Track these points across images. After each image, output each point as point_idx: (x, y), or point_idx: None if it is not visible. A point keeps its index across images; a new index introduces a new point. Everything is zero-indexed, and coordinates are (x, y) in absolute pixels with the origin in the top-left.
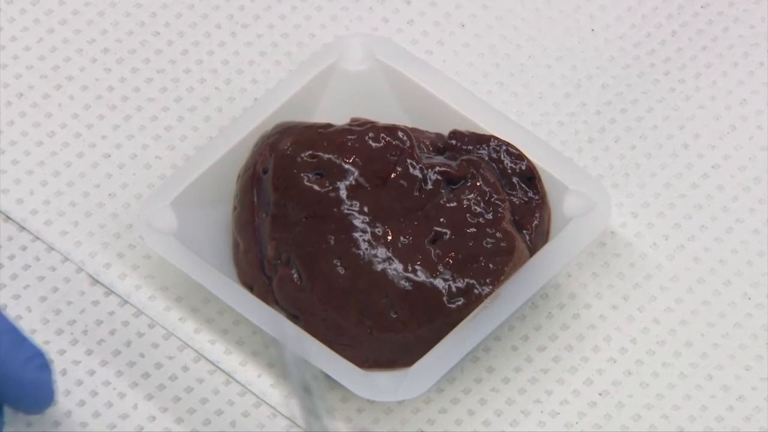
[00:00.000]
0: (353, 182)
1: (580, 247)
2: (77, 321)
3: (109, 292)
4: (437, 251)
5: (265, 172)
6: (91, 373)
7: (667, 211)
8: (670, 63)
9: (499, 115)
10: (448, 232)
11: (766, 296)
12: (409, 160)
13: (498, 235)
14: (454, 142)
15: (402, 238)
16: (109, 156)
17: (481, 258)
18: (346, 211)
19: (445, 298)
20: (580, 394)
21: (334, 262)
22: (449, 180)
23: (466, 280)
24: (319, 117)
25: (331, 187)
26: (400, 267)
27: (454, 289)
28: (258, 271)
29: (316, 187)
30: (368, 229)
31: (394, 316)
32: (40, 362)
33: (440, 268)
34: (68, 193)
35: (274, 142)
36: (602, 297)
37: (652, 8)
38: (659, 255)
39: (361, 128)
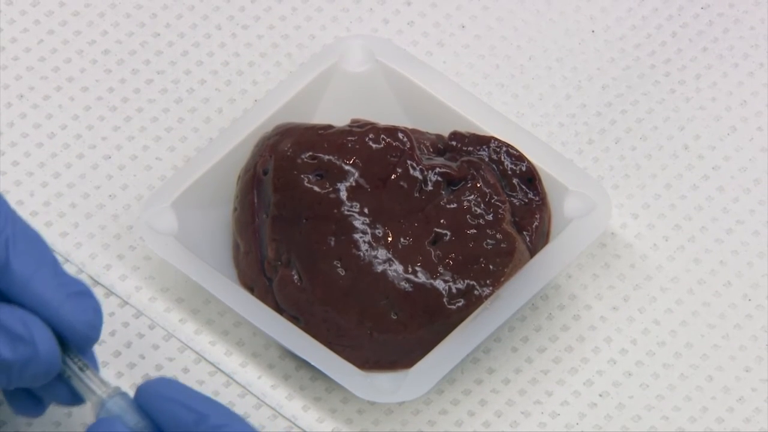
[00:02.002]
0: (353, 183)
1: (581, 249)
2: None
3: (110, 293)
4: (437, 252)
5: (265, 173)
6: None
7: (667, 213)
8: (671, 64)
9: (499, 116)
10: (449, 233)
11: (766, 297)
12: (409, 162)
13: (498, 236)
14: (454, 143)
15: (402, 240)
16: (110, 157)
17: (482, 259)
18: (346, 213)
19: (445, 299)
20: (580, 395)
21: (335, 263)
22: (449, 181)
23: (466, 281)
24: (319, 118)
25: (331, 189)
26: (400, 268)
27: (454, 290)
28: (258, 273)
29: (316, 189)
30: (368, 231)
31: (395, 317)
32: (77, 288)
33: (440, 269)
34: (69, 194)
35: (275, 143)
36: (602, 298)
37: (652, 9)
38: (659, 256)
39: (362, 129)
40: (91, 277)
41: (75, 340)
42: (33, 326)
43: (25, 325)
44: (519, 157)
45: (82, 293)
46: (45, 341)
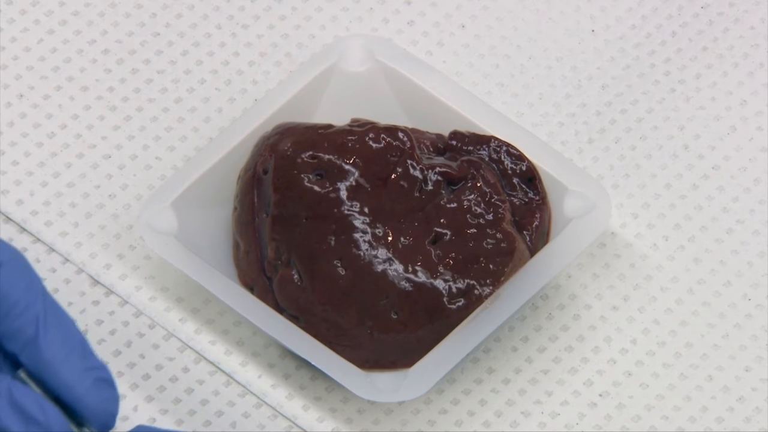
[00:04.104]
0: (353, 183)
1: (581, 248)
2: (77, 321)
3: (110, 292)
4: (438, 252)
5: (265, 172)
6: None
7: (667, 212)
8: (671, 64)
9: (499, 115)
10: (449, 232)
11: (766, 297)
12: (409, 161)
13: (498, 235)
14: (454, 142)
15: (402, 239)
16: (110, 157)
17: (482, 259)
18: (346, 212)
19: (445, 299)
20: (580, 395)
21: (335, 262)
22: (450, 181)
23: (466, 280)
24: (319, 118)
25: (331, 188)
26: (400, 268)
27: (454, 290)
28: (258, 272)
29: (316, 188)
30: (369, 230)
31: (395, 316)
32: (101, 375)
33: (440, 268)
34: (68, 194)
35: (275, 142)
36: (602, 298)
37: (652, 9)
38: (659, 256)
39: (362, 129)
40: (91, 277)
41: (91, 425)
42: (49, 412)
43: (42, 409)
44: (519, 157)
45: (105, 381)
46: (60, 426)
